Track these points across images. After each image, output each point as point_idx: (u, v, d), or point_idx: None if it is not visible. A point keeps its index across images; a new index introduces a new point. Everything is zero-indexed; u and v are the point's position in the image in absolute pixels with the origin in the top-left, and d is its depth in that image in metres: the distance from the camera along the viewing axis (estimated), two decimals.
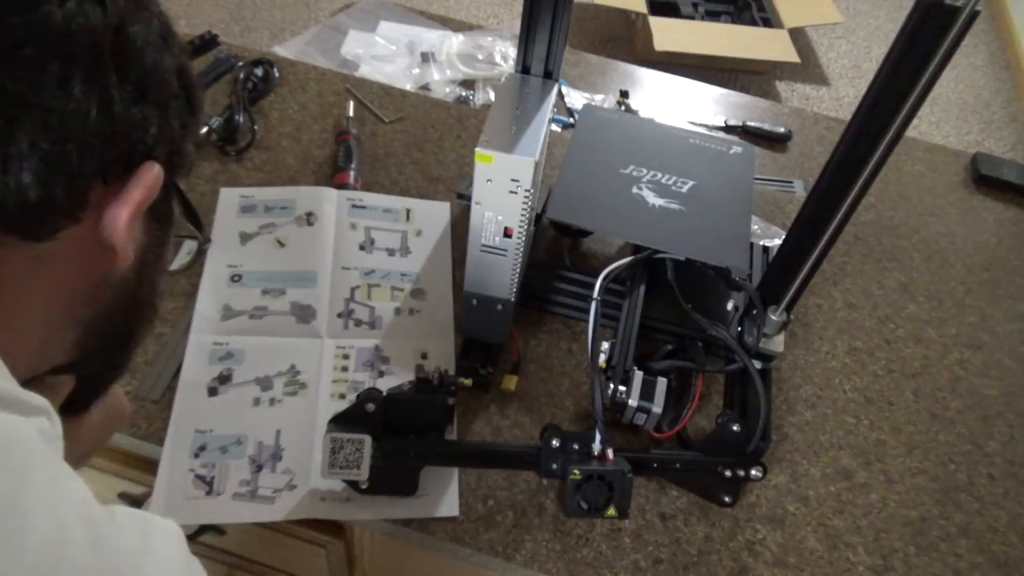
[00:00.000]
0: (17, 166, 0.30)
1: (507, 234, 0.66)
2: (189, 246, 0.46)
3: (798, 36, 2.61)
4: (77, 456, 0.50)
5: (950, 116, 2.65)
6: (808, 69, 2.72)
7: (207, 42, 1.05)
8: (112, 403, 0.51)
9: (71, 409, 0.42)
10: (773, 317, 0.74)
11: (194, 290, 0.76)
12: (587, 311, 0.69)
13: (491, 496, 0.68)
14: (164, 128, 0.37)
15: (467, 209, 0.78)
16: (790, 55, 2.38)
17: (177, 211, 0.43)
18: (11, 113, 0.30)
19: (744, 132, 1.20)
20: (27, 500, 0.26)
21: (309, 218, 0.83)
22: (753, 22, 2.57)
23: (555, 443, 0.63)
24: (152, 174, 0.36)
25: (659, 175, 0.82)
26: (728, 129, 1.21)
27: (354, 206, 0.86)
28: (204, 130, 0.90)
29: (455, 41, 1.28)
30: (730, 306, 0.79)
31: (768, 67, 2.61)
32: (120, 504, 0.32)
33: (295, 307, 0.77)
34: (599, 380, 0.67)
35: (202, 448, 0.67)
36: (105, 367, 0.44)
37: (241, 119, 0.93)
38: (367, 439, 0.60)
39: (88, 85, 0.32)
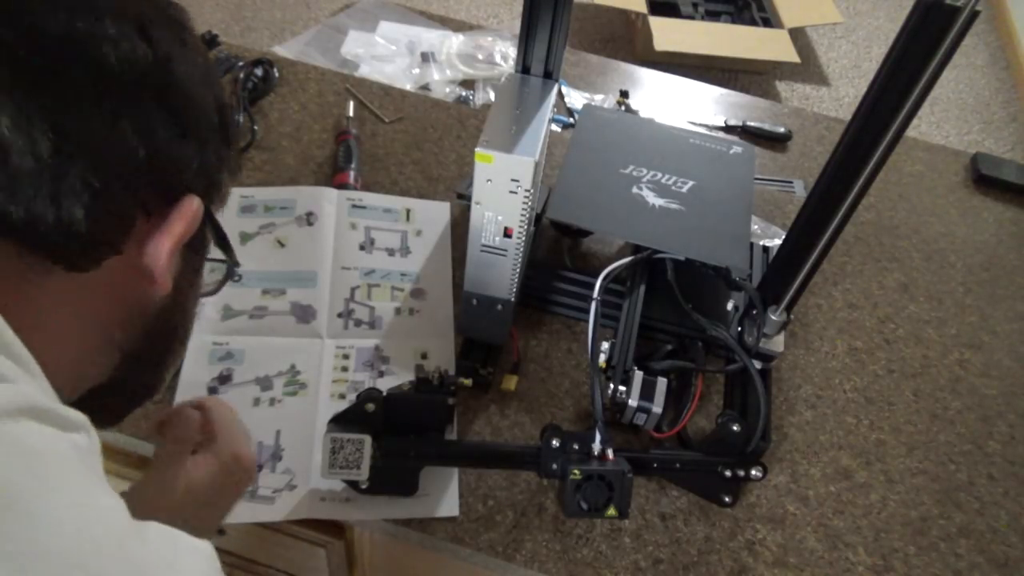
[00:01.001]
0: (70, 202, 0.31)
1: (507, 234, 0.66)
2: (219, 269, 0.48)
3: (798, 36, 2.61)
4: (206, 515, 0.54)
5: (950, 116, 2.65)
6: (808, 69, 2.72)
7: (207, 42, 1.05)
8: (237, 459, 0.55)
9: (106, 424, 0.43)
10: (773, 317, 0.74)
11: None
12: (587, 311, 0.69)
13: (491, 496, 0.68)
14: (204, 162, 0.39)
15: (467, 209, 0.78)
16: (790, 55, 2.38)
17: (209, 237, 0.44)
18: (66, 151, 0.31)
19: (744, 132, 1.20)
20: (53, 510, 0.26)
21: (309, 218, 0.83)
22: (753, 22, 2.57)
23: (555, 443, 0.63)
24: (192, 207, 0.38)
25: (659, 175, 0.82)
26: (728, 129, 1.21)
27: (354, 206, 0.86)
28: None
29: (455, 41, 1.28)
30: (730, 306, 0.79)
31: (768, 67, 2.61)
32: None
33: (295, 307, 0.77)
34: (599, 380, 0.67)
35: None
36: (139, 387, 0.46)
37: (241, 119, 0.93)
38: (367, 439, 0.60)
39: (136, 123, 0.34)
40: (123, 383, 0.42)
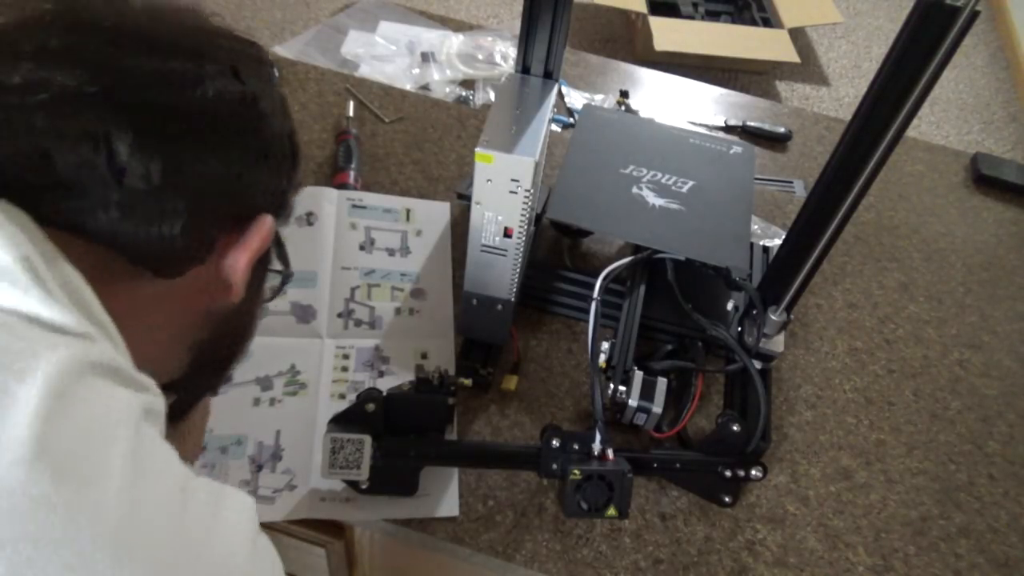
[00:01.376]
0: (170, 221, 0.37)
1: (507, 234, 0.66)
2: (272, 277, 0.53)
3: (798, 36, 2.61)
4: (188, 453, 0.58)
5: (950, 116, 2.64)
6: (808, 69, 2.72)
7: None
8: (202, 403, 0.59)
9: (169, 419, 0.46)
10: (773, 317, 0.74)
11: None
12: (587, 311, 0.69)
13: (491, 496, 0.68)
14: (277, 185, 0.44)
15: (467, 209, 0.78)
16: (790, 55, 2.38)
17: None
18: (172, 177, 0.36)
19: (744, 132, 1.20)
20: (112, 462, 0.29)
21: (309, 218, 0.83)
22: (753, 22, 2.57)
23: (555, 443, 0.63)
24: (267, 226, 0.43)
25: (659, 175, 0.82)
26: (728, 129, 1.21)
27: (354, 206, 0.86)
28: None
29: (455, 41, 1.28)
30: (730, 306, 0.79)
31: (768, 67, 2.61)
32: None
33: (295, 307, 0.77)
34: (599, 380, 0.67)
35: (202, 448, 0.67)
36: (204, 383, 0.51)
37: None
38: (367, 439, 0.60)
39: (228, 154, 0.39)
40: (193, 379, 0.46)
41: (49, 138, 0.34)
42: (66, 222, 0.35)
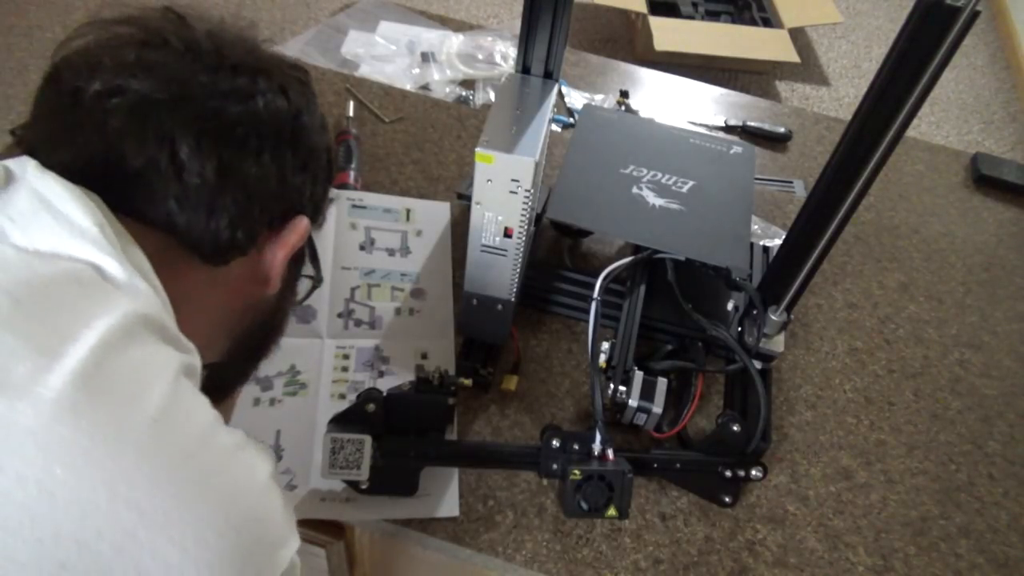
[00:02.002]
0: (220, 214, 0.42)
1: (507, 234, 0.66)
2: (304, 283, 0.58)
3: (798, 36, 2.61)
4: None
5: (950, 116, 2.64)
6: (808, 69, 2.72)
7: None
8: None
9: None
10: (773, 317, 0.74)
11: None
12: (587, 311, 0.69)
13: (491, 496, 0.68)
14: (314, 192, 0.49)
15: (467, 209, 0.78)
16: (790, 55, 2.38)
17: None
18: (224, 176, 0.41)
19: (744, 132, 1.20)
20: (148, 396, 0.33)
21: None
22: (753, 22, 2.57)
23: (555, 443, 0.63)
24: (303, 226, 0.48)
25: (659, 175, 0.82)
26: (728, 129, 1.21)
27: (354, 206, 0.86)
28: None
29: (455, 41, 1.28)
30: (730, 306, 0.79)
31: (768, 67, 2.61)
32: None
33: (295, 307, 0.77)
34: (599, 380, 0.67)
35: None
36: (239, 372, 0.56)
37: None
38: (367, 439, 0.60)
39: (273, 159, 0.44)
40: (228, 367, 0.50)
41: (122, 137, 0.39)
42: (131, 209, 0.40)
